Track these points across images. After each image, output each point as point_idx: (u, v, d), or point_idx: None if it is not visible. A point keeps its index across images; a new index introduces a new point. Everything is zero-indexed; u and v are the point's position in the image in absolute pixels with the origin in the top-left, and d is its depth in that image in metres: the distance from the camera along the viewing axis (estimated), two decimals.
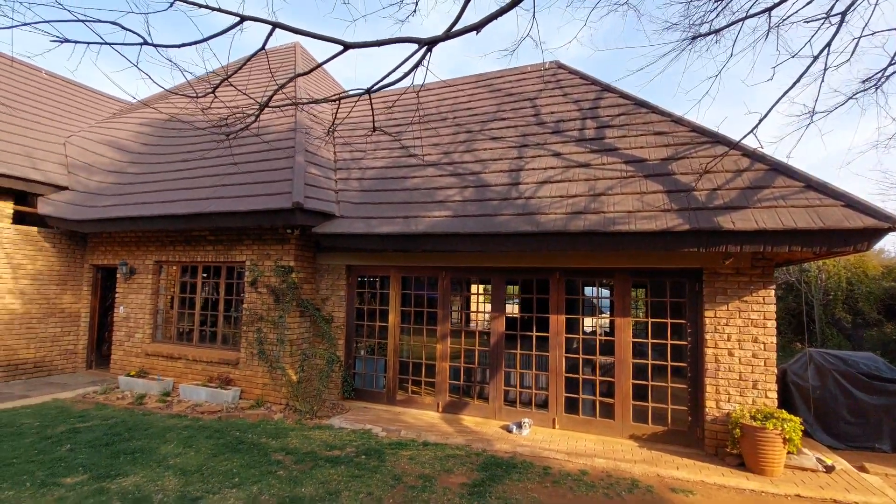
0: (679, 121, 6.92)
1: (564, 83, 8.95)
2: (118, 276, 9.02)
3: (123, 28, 2.13)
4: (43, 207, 8.51)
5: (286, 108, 8.49)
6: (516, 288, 10.50)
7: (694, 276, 5.93)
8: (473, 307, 11.40)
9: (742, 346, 5.59)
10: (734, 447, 5.39)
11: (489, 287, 7.33)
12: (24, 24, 2.12)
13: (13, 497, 4.09)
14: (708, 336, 5.71)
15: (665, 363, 6.07)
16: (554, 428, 6.49)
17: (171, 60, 2.98)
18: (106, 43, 2.35)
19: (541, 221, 5.71)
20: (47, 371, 9.13)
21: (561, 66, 9.57)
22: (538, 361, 6.76)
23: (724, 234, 5.06)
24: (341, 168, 8.22)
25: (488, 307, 7.32)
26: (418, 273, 7.45)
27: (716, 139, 6.35)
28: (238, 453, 5.31)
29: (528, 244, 5.80)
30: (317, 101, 3.19)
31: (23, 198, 8.73)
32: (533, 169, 6.84)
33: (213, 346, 8.18)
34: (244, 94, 3.31)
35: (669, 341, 6.05)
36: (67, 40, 2.13)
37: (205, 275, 8.44)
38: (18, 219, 8.65)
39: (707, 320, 5.72)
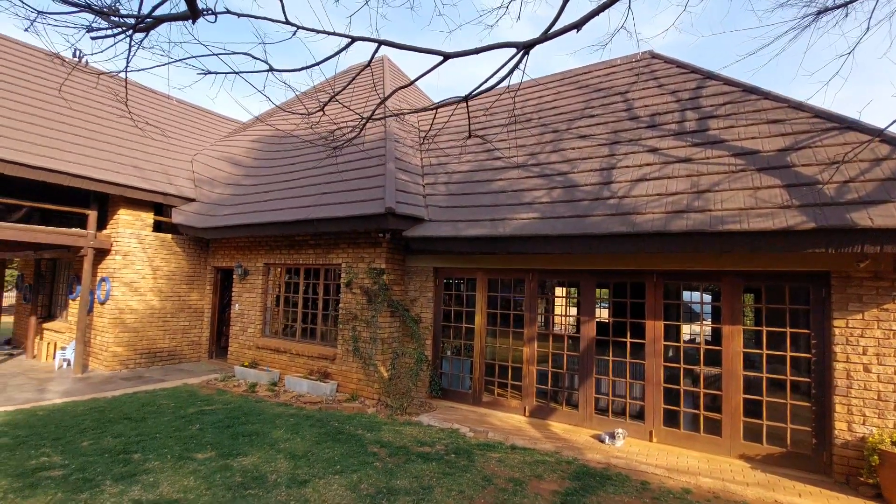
0: (798, 106, 6.18)
1: (659, 73, 8.42)
2: (234, 276, 10.13)
3: (254, 58, 2.43)
4: (176, 217, 9.83)
5: (376, 117, 8.97)
6: (606, 291, 10.05)
7: (819, 280, 5.25)
8: (560, 310, 11.11)
9: (882, 361, 4.84)
10: (870, 476, 4.69)
11: (577, 290, 7.11)
12: (178, 61, 2.49)
13: (158, 467, 4.77)
14: (838, 349, 5.03)
15: (783, 377, 5.44)
16: (651, 441, 6.11)
17: (285, 83, 3.29)
18: (237, 72, 2.68)
19: (636, 221, 5.42)
20: (178, 359, 10.50)
21: (655, 55, 9.02)
22: (632, 369, 6.41)
23: (859, 233, 4.42)
24: (428, 173, 8.49)
25: (574, 311, 7.10)
26: (504, 275, 7.44)
27: (845, 125, 5.57)
28: (338, 443, 5.68)
29: (621, 246, 5.53)
30: (417, 111, 3.34)
31: (160, 209, 10.16)
32: (626, 167, 6.52)
33: (314, 342, 8.85)
34: (350, 109, 3.57)
35: (789, 353, 5.41)
36: (210, 72, 2.48)
37: (306, 276, 9.16)
38: (156, 227, 10.09)
39: (837, 331, 5.04)
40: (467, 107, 3.27)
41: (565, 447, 5.89)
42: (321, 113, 3.38)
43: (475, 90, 2.89)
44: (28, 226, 8.45)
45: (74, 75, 10.64)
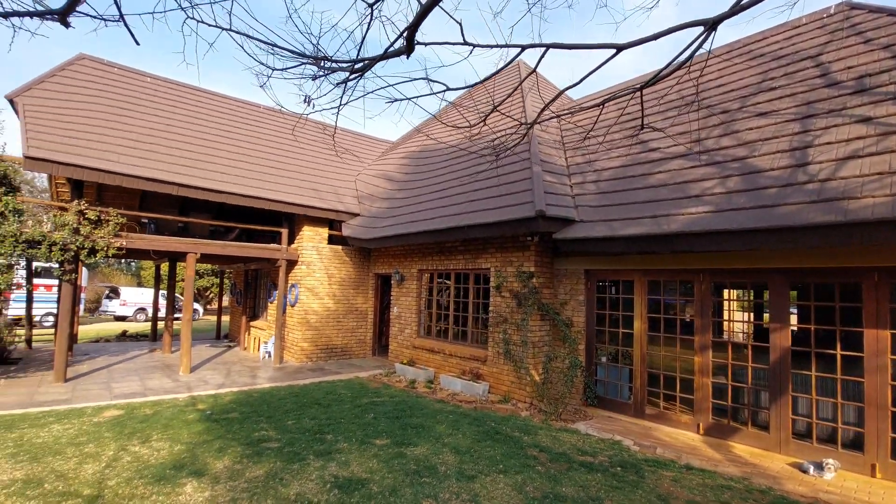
0: None
1: (864, 26, 6.86)
2: (392, 282, 11.14)
3: (432, 81, 2.68)
4: (345, 230, 11.24)
5: (517, 120, 9.03)
6: (793, 293, 8.47)
7: None
8: (740, 315, 9.71)
9: None
10: None
11: (755, 292, 6.13)
12: (371, 92, 2.87)
13: (346, 448, 5.45)
14: None
15: None
16: (873, 476, 4.95)
17: (447, 100, 3.51)
18: (411, 98, 2.97)
19: (850, 209, 4.47)
20: (348, 355, 11.91)
21: (854, 5, 7.41)
22: (845, 388, 5.28)
23: None
24: (575, 172, 8.23)
25: (750, 315, 6.11)
26: (667, 276, 6.80)
27: None
28: (497, 442, 5.81)
29: (829, 238, 4.61)
30: (583, 109, 3.28)
31: (331, 224, 11.71)
32: (828, 143, 5.43)
33: (465, 344, 9.23)
34: (510, 117, 3.68)
35: None
36: (396, 99, 2.81)
37: (456, 280, 9.62)
38: (329, 240, 11.65)
39: None
40: (641, 96, 3.07)
41: (755, 473, 5.10)
42: (482, 124, 3.54)
43: (655, 76, 2.69)
44: (244, 243, 10.51)
45: (257, 117, 12.94)
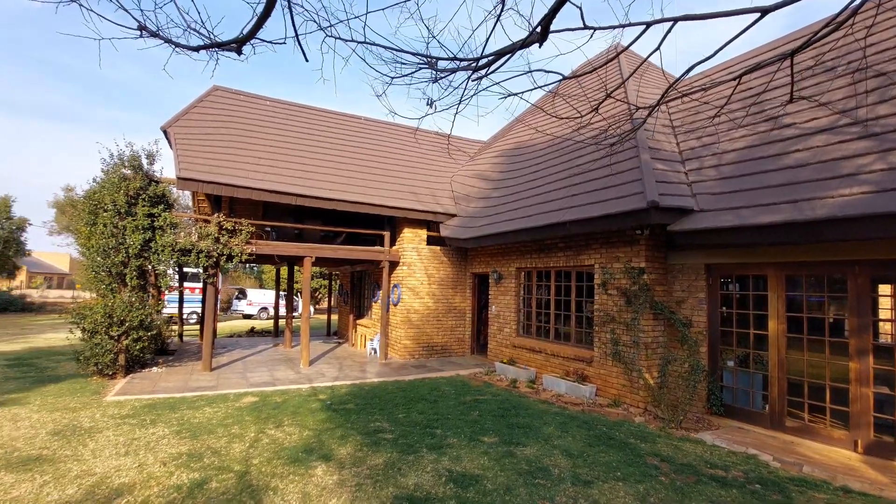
0: None
1: None
2: (490, 281, 11.15)
3: (547, 72, 2.61)
4: (443, 231, 11.51)
5: (618, 107, 8.51)
6: None
7: None
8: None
9: None
10: None
11: None
12: (485, 88, 2.89)
13: (456, 444, 5.55)
14: None
15: None
16: None
17: (556, 93, 3.38)
18: (520, 92, 2.92)
19: None
20: (448, 353, 12.16)
21: None
22: None
23: None
24: (690, 158, 7.53)
25: None
26: (810, 270, 5.92)
27: None
28: (611, 448, 5.51)
29: None
30: (716, 84, 2.97)
31: (428, 225, 12.05)
32: None
33: (568, 344, 8.92)
34: (625, 102, 3.47)
35: None
36: (510, 94, 2.79)
37: (557, 278, 9.35)
38: (428, 241, 12.00)
39: None
40: (791, 64, 2.68)
41: None
42: (593, 112, 3.37)
43: (808, 42, 2.32)
44: (350, 246, 11.25)
45: (359, 128, 13.72)
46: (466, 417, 6.67)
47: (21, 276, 41.08)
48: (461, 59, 2.44)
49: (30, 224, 31.03)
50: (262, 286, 35.05)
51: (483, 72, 2.49)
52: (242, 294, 27.30)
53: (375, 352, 12.27)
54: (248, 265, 35.19)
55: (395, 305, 11.82)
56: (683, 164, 7.52)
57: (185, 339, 14.78)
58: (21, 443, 5.27)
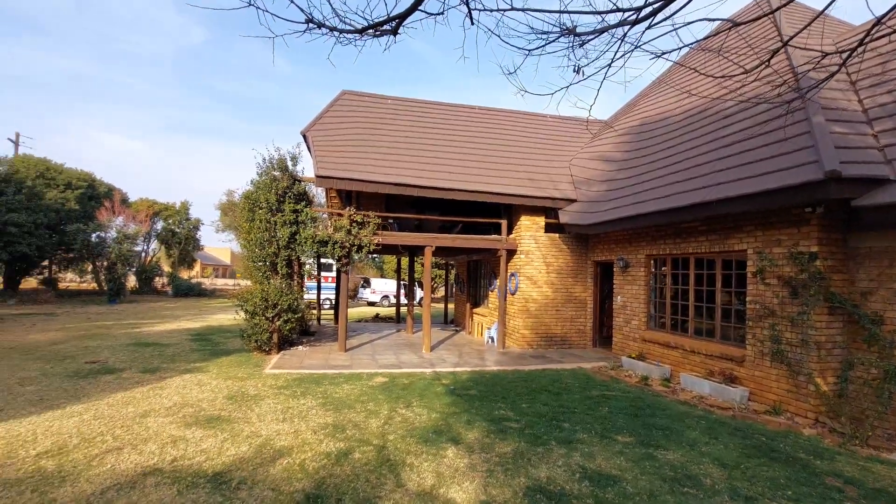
0: None
1: None
2: (615, 269, 10.41)
3: (712, 19, 2.21)
4: (562, 217, 11.03)
5: (771, 66, 7.20)
6: None
7: None
8: None
9: None
10: None
11: None
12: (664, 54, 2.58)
13: (586, 440, 5.25)
14: None
15: None
16: None
17: (686, 65, 2.88)
18: (670, 53, 2.54)
19: None
20: (567, 345, 11.69)
21: None
22: None
23: None
24: (881, 117, 6.08)
25: None
26: None
27: None
28: (775, 462, 4.74)
29: None
30: None
31: (546, 212, 11.65)
32: None
33: (711, 340, 7.93)
34: (807, 48, 2.83)
35: None
36: (663, 55, 2.45)
37: (697, 266, 8.34)
38: (546, 228, 11.61)
39: None
40: None
41: None
42: (761, 67, 2.80)
43: None
44: (468, 235, 11.39)
45: (474, 117, 13.71)
46: (595, 413, 6.31)
47: (196, 267, 49.65)
48: (622, 10, 2.17)
49: (202, 224, 37.31)
50: (383, 276, 37.57)
51: (644, 24, 2.19)
52: (367, 283, 29.53)
53: (493, 340, 12.31)
54: (371, 256, 38.03)
55: (513, 294, 11.69)
56: (871, 124, 6.09)
57: (321, 322, 16.45)
58: (205, 404, 6.29)
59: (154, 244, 33.87)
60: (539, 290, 11.47)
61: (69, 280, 32.36)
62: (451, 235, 11.35)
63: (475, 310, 14.84)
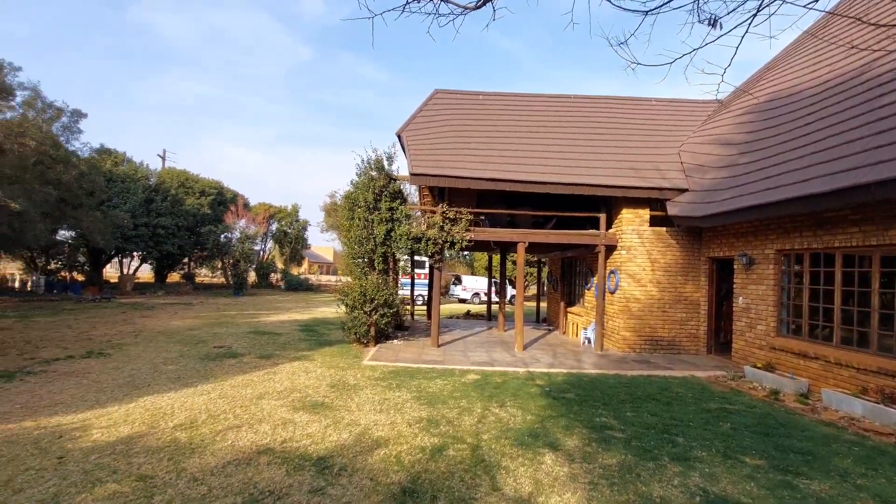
0: None
1: None
2: (735, 266, 9.21)
3: None
4: (671, 209, 10.02)
5: None
6: None
7: None
8: None
9: None
10: None
11: None
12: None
13: (706, 458, 4.63)
14: None
15: None
16: None
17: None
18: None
19: None
20: (676, 350, 10.61)
21: None
22: None
23: None
24: None
25: None
26: None
27: None
28: None
29: None
30: None
31: (651, 204, 10.68)
32: None
33: (865, 351, 6.62)
34: None
35: None
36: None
37: (845, 263, 7.02)
38: (650, 222, 10.65)
39: None
40: None
41: None
42: None
43: None
44: (563, 231, 10.87)
45: (570, 106, 13.02)
46: (715, 428, 5.57)
47: (304, 265, 54.22)
48: None
49: (309, 224, 40.65)
50: (473, 273, 37.74)
51: None
52: (458, 280, 29.85)
53: (589, 342, 11.62)
54: (462, 253, 38.40)
55: (612, 293, 10.91)
56: None
57: (415, 317, 16.90)
58: (311, 390, 6.70)
59: (269, 243, 37.67)
60: (643, 289, 10.56)
61: (203, 275, 37.23)
62: (545, 231, 10.92)
63: (569, 309, 14.17)
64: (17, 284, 23.23)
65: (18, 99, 15.71)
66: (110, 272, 31.98)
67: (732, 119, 10.86)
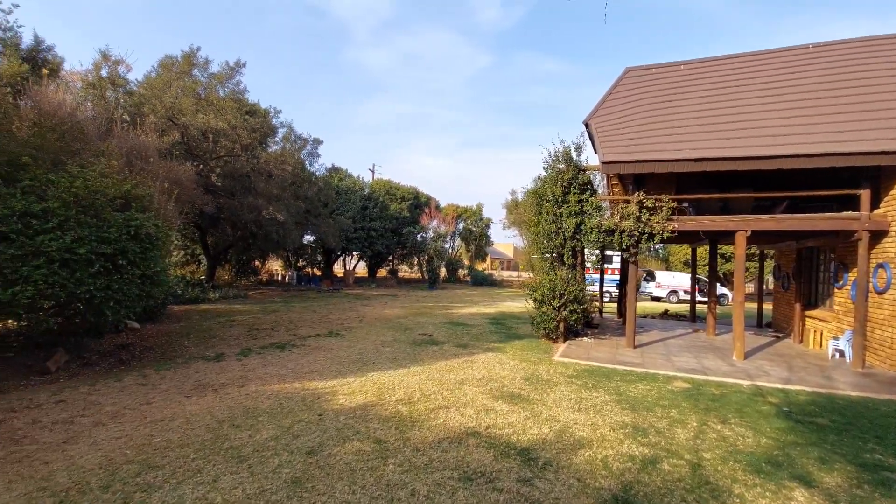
0: None
1: None
2: None
3: None
4: None
5: None
6: None
7: None
8: None
9: None
10: None
11: None
12: None
13: None
14: None
15: None
16: None
17: None
18: None
19: None
20: None
21: None
22: None
23: None
24: None
25: None
26: None
27: None
28: None
29: None
30: None
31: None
32: None
33: None
34: None
35: None
36: None
37: None
38: None
39: None
40: None
41: None
42: None
43: None
44: (803, 215, 8.73)
45: (809, 61, 10.36)
46: None
47: (487, 261, 56.72)
48: None
49: (492, 222, 42.38)
50: (668, 268, 33.74)
51: None
52: (651, 276, 27.10)
53: (842, 354, 9.16)
54: (656, 247, 34.74)
55: (880, 294, 8.35)
56: None
57: (603, 315, 15.97)
58: (506, 381, 6.92)
59: (457, 241, 40.64)
60: None
61: (403, 270, 42.39)
62: (775, 216, 8.98)
63: (808, 312, 11.39)
64: (279, 278, 30.37)
65: (279, 136, 20.50)
66: (336, 268, 39.14)
67: None
